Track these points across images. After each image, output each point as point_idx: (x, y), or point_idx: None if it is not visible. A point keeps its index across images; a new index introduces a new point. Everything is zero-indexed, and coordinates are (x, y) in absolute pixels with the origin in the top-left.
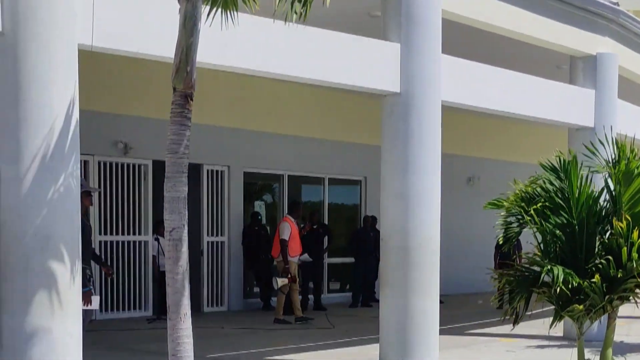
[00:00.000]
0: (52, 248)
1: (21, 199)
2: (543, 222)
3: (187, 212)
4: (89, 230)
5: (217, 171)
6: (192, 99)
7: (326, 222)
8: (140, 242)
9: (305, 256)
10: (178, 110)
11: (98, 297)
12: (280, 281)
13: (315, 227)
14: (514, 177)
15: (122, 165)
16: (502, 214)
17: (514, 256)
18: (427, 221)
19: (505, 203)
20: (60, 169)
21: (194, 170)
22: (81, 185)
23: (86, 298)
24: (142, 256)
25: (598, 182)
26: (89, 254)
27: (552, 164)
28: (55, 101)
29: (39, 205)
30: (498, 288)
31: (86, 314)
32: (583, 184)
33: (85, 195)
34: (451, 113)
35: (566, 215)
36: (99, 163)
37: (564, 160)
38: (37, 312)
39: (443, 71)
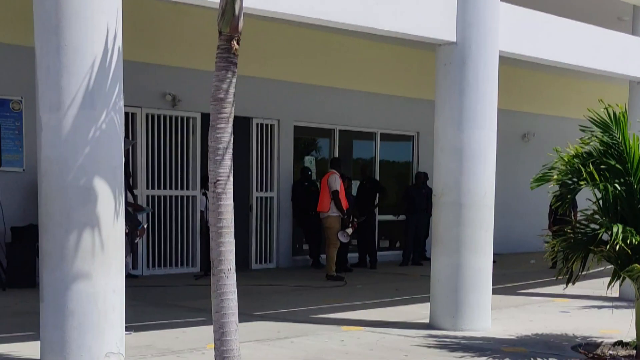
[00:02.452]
0: (93, 200)
1: (62, 148)
2: (601, 180)
3: (232, 163)
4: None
5: (266, 125)
6: (238, 43)
7: (377, 178)
8: (187, 197)
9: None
10: (224, 55)
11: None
12: (348, 231)
13: (364, 182)
14: (570, 134)
15: (170, 118)
16: (553, 178)
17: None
18: (481, 177)
19: (552, 174)
20: (103, 118)
21: (243, 124)
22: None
23: (141, 234)
24: (190, 211)
25: None
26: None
27: (601, 118)
28: (97, 48)
29: (80, 156)
30: (552, 247)
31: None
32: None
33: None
34: (505, 67)
35: (623, 172)
36: (147, 115)
37: (615, 114)
38: (78, 266)
39: (501, 20)
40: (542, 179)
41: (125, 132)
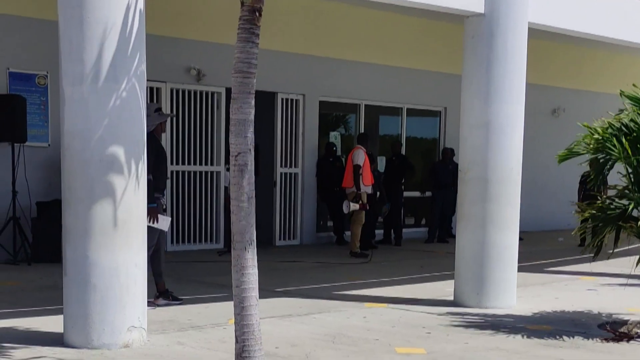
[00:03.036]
0: (115, 174)
1: (85, 122)
2: (634, 153)
3: (253, 137)
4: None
5: (291, 100)
6: (260, 14)
7: (404, 154)
8: (212, 173)
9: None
10: (246, 26)
11: (168, 219)
12: (352, 205)
13: (394, 158)
14: (601, 110)
15: (195, 92)
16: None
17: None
18: (508, 152)
19: (579, 149)
20: (126, 92)
21: (268, 99)
22: (158, 110)
23: (151, 214)
24: (214, 187)
25: None
26: (162, 179)
27: (634, 95)
28: (120, 22)
29: (102, 129)
30: (582, 222)
31: (152, 238)
32: None
33: (166, 120)
34: (535, 40)
35: None
36: (171, 90)
37: None
38: (100, 240)
39: None
40: (570, 154)
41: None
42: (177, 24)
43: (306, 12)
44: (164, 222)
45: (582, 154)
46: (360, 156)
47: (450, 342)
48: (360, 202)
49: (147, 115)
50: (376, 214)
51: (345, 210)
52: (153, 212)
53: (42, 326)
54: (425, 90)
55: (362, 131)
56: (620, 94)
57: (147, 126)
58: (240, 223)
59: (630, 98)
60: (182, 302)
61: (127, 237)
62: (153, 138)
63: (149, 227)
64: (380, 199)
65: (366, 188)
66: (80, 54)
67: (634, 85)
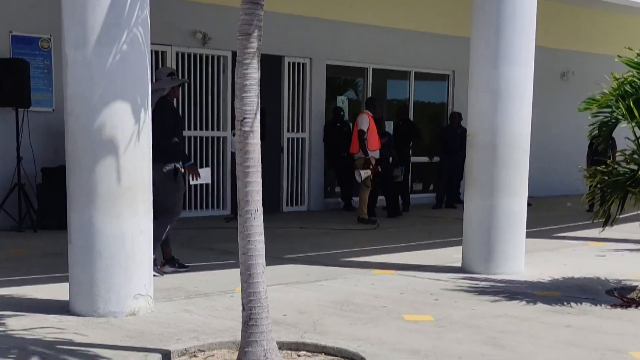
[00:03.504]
0: (119, 140)
1: (88, 85)
2: None
3: (259, 101)
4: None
5: (298, 63)
6: None
7: (412, 118)
8: (218, 138)
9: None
10: None
11: (208, 169)
12: (364, 173)
13: (401, 123)
14: (610, 72)
15: (201, 56)
16: (595, 105)
17: (609, 155)
18: (517, 117)
19: (601, 100)
20: (131, 55)
21: (275, 62)
22: (172, 74)
23: (191, 172)
24: (221, 153)
25: None
26: (180, 147)
27: (632, 60)
28: None
29: (106, 94)
30: (590, 187)
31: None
32: None
33: (179, 85)
34: (544, 1)
35: None
36: (177, 54)
37: None
38: (105, 207)
39: None
40: (591, 103)
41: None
42: None
43: None
44: (205, 175)
45: (601, 103)
46: (364, 121)
47: (457, 308)
48: (371, 166)
49: (159, 80)
50: (389, 179)
51: (358, 179)
52: (192, 169)
53: (47, 294)
54: (433, 54)
55: (370, 95)
56: (622, 62)
57: (160, 91)
58: (246, 190)
59: (627, 63)
60: (189, 269)
61: (132, 204)
62: (167, 102)
63: (176, 194)
64: (393, 164)
65: (373, 153)
66: (83, 16)
67: (628, 48)
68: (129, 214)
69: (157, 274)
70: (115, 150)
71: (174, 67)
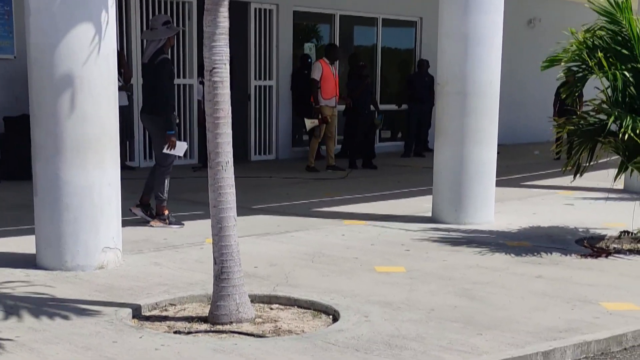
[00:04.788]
0: (85, 89)
1: (52, 35)
2: (611, 68)
3: (228, 50)
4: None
5: (265, 10)
6: None
7: (379, 66)
8: (184, 86)
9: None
10: None
11: (185, 144)
12: (310, 122)
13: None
14: (577, 20)
15: (165, 2)
16: (563, 64)
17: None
18: (487, 64)
19: (563, 56)
20: (95, 2)
21: (241, 9)
22: (167, 23)
23: (170, 141)
24: (187, 101)
25: None
26: (173, 98)
27: (603, 7)
28: None
29: (71, 42)
30: (557, 139)
31: (167, 160)
32: None
33: (173, 35)
34: None
35: (631, 59)
36: None
37: (616, 2)
38: (71, 158)
39: None
40: (554, 60)
41: (120, 17)
42: None
43: None
44: (180, 148)
45: (564, 61)
46: (316, 69)
47: (429, 259)
48: (320, 116)
49: (155, 29)
50: (370, 126)
51: (305, 129)
52: (172, 139)
53: (14, 247)
54: (401, 0)
55: (337, 42)
56: (592, 8)
57: (155, 41)
58: (217, 141)
59: (598, 12)
60: (184, 226)
61: (100, 155)
62: (165, 57)
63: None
64: (374, 112)
65: (327, 102)
66: None
67: None
68: (96, 165)
69: (177, 225)
70: (82, 101)
71: (138, 13)
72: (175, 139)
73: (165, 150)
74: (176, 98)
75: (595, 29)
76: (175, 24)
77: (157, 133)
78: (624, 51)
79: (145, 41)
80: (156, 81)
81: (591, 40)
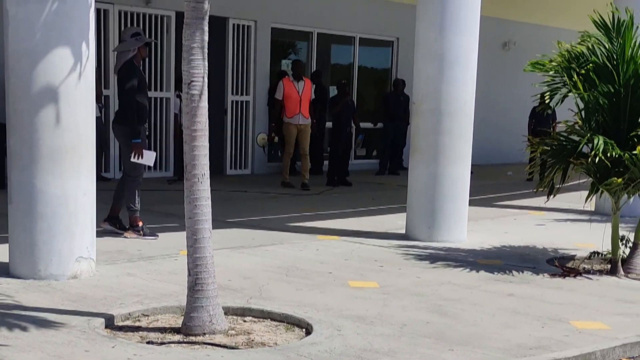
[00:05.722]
0: (62, 99)
1: (30, 43)
2: (587, 88)
3: (207, 64)
4: (146, 85)
5: (243, 26)
6: None
7: (355, 84)
8: (161, 99)
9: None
10: None
11: (153, 154)
12: (261, 138)
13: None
14: (551, 45)
15: (144, 15)
16: (550, 73)
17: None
18: (462, 85)
19: (547, 64)
20: (74, 13)
21: (219, 25)
22: (138, 34)
23: (136, 150)
24: (164, 114)
25: None
26: (145, 110)
27: (604, 21)
28: None
29: (49, 52)
30: (530, 159)
31: (137, 167)
32: (636, 49)
33: (145, 45)
34: None
35: (613, 82)
36: (119, 12)
37: (619, 20)
38: (47, 167)
39: None
40: (538, 64)
41: (98, 30)
42: None
43: None
44: (148, 157)
45: (547, 69)
46: (278, 88)
47: (402, 275)
48: (272, 134)
49: (124, 41)
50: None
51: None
52: (138, 148)
53: None
54: (378, 20)
55: (314, 59)
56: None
57: (125, 53)
58: (193, 153)
59: (596, 24)
60: (158, 237)
61: (76, 164)
62: (132, 66)
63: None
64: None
65: (289, 120)
66: None
67: (615, 9)
68: (71, 174)
69: (151, 237)
70: (59, 109)
71: (116, 26)
72: (142, 147)
73: (132, 159)
74: (152, 111)
75: (583, 39)
76: (148, 36)
77: (125, 142)
78: (610, 68)
79: (116, 54)
80: (123, 90)
81: (577, 53)
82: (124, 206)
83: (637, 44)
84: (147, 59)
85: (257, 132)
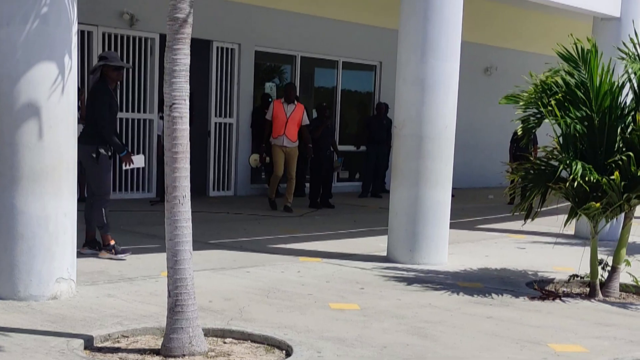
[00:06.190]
0: (44, 120)
1: (12, 65)
2: (563, 115)
3: (188, 87)
4: (116, 107)
5: (227, 49)
6: None
7: (338, 107)
8: (145, 120)
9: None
10: None
11: (141, 156)
12: (252, 159)
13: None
14: (532, 70)
15: (128, 38)
16: (521, 104)
17: (531, 150)
18: (443, 109)
19: (522, 97)
20: (57, 36)
21: (203, 47)
22: (112, 58)
23: (125, 160)
24: (147, 135)
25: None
26: (111, 128)
27: (569, 52)
28: None
29: (31, 73)
30: (511, 182)
31: (102, 188)
32: (604, 75)
33: (115, 69)
34: None
35: (586, 109)
36: (103, 34)
37: (583, 49)
38: (28, 188)
39: None
40: (512, 98)
41: (82, 52)
42: None
43: None
44: (139, 161)
45: (521, 103)
46: (269, 109)
47: (383, 298)
48: (263, 154)
49: (95, 64)
50: (329, 167)
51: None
52: (126, 158)
53: None
54: (361, 44)
55: (297, 82)
56: (557, 53)
57: (93, 75)
58: (174, 175)
59: (561, 56)
60: (130, 252)
61: (57, 185)
62: (100, 86)
63: (98, 177)
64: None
65: (274, 140)
66: None
67: (576, 39)
68: (52, 194)
69: (124, 255)
70: (39, 130)
71: (100, 47)
72: (129, 155)
73: (125, 167)
74: (136, 132)
75: (556, 70)
76: (132, 58)
77: (90, 163)
78: (581, 96)
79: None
80: (91, 111)
81: (549, 85)
82: (94, 228)
83: (604, 70)
84: (130, 81)
85: (240, 153)
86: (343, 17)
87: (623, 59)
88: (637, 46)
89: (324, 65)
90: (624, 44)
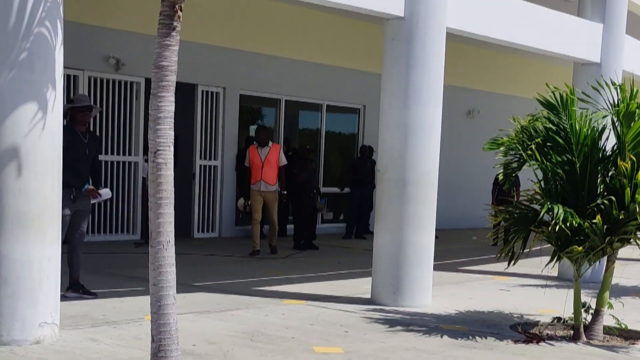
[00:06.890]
0: (30, 166)
1: None
2: (544, 160)
3: (173, 133)
4: (83, 147)
5: (212, 92)
6: (181, 10)
7: (322, 150)
8: (130, 163)
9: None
10: (166, 21)
11: (107, 189)
12: (240, 202)
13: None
14: (514, 113)
15: (114, 82)
16: (501, 149)
17: (513, 193)
18: (426, 153)
19: (504, 141)
20: (42, 81)
21: (188, 91)
22: (77, 100)
23: (91, 194)
24: (132, 178)
25: (606, 121)
26: (72, 169)
27: (547, 100)
28: (37, 7)
29: (17, 120)
30: (494, 225)
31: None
32: (584, 121)
33: (80, 110)
34: (452, 42)
35: (567, 154)
36: (89, 79)
37: (561, 96)
38: (12, 232)
39: None
40: (496, 143)
41: (68, 96)
42: (97, 12)
43: (229, 5)
44: (105, 193)
45: (502, 149)
46: (246, 156)
47: (367, 341)
48: (248, 201)
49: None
50: (312, 209)
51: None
52: (89, 192)
53: None
54: (345, 88)
55: (281, 125)
56: (538, 101)
57: (64, 117)
58: (158, 220)
59: (541, 103)
60: (96, 296)
61: (41, 231)
62: (67, 129)
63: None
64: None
65: (252, 186)
66: None
67: (553, 88)
68: (37, 240)
69: (90, 295)
70: (24, 175)
71: (87, 91)
72: (94, 189)
73: (93, 200)
74: (121, 174)
75: (537, 117)
76: (112, 104)
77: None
78: (561, 142)
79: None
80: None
81: (529, 130)
82: (80, 270)
83: (583, 115)
84: (115, 124)
85: (224, 195)
86: (327, 61)
87: (604, 109)
88: (616, 90)
89: (308, 109)
90: (602, 86)
